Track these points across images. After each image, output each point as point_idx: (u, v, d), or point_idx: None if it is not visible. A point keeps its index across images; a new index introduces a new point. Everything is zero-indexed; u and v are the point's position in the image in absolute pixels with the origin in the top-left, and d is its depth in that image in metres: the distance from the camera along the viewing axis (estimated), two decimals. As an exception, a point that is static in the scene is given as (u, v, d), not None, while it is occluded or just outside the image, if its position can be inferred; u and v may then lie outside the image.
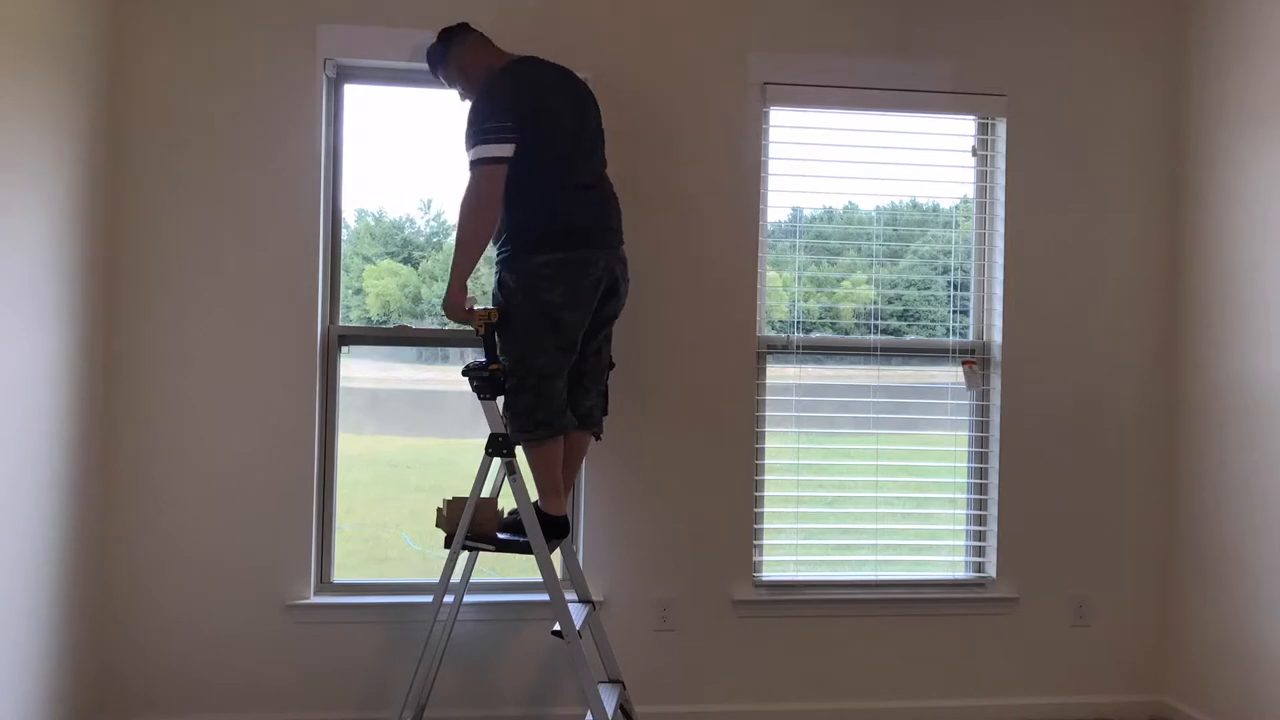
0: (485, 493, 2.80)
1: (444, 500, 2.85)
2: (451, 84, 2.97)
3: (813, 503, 3.57)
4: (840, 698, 3.45)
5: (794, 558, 3.53)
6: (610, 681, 3.07)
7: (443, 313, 2.77)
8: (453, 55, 2.90)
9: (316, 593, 3.29)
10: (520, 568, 3.17)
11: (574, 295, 2.69)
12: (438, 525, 2.87)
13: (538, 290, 2.66)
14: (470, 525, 2.75)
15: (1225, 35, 3.40)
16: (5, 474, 2.64)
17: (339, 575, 3.35)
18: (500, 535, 2.81)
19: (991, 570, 3.56)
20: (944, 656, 3.51)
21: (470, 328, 2.74)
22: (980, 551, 3.62)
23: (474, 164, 2.63)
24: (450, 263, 2.70)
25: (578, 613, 2.89)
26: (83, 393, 3.02)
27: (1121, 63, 3.59)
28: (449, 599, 2.98)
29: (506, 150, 2.61)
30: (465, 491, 2.78)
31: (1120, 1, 3.59)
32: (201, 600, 3.20)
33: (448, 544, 2.79)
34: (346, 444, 3.37)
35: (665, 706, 3.35)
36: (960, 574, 3.62)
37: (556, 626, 2.69)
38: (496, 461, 2.76)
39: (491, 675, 3.31)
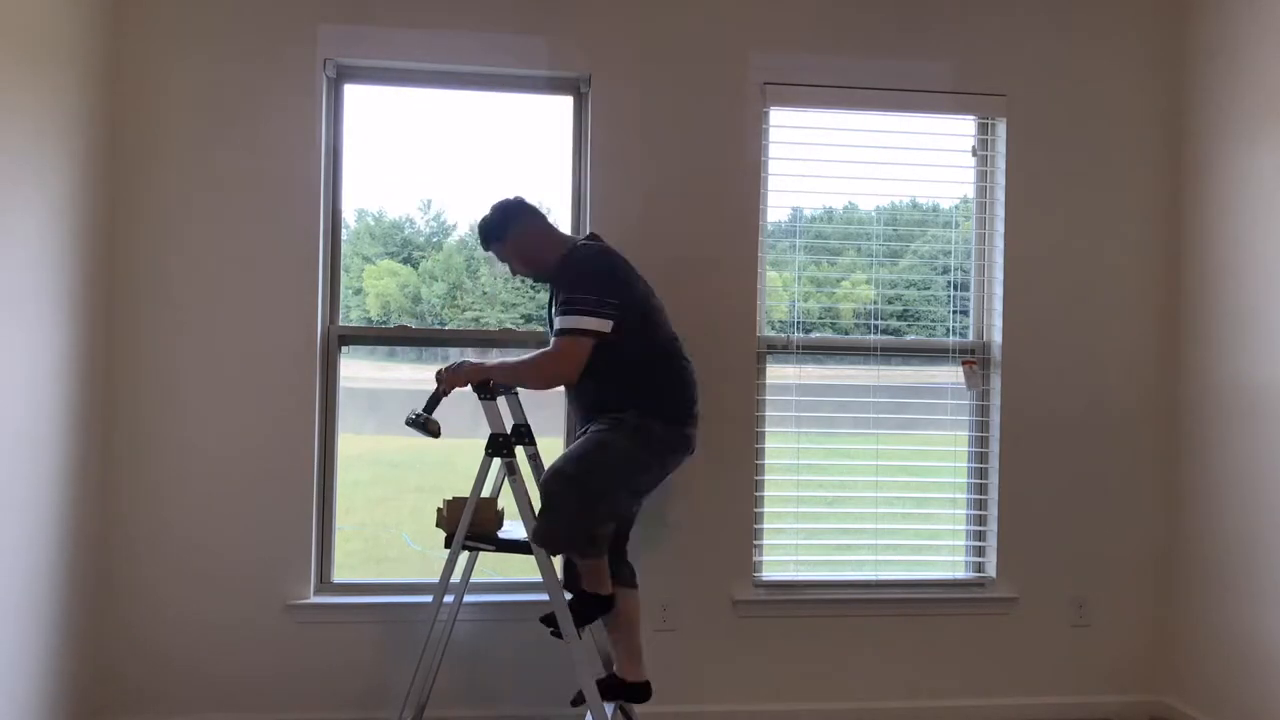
0: (485, 493, 2.80)
1: (444, 500, 2.85)
2: (502, 259, 2.89)
3: (813, 503, 3.57)
4: (840, 698, 3.45)
5: (794, 558, 3.53)
6: (610, 681, 3.07)
7: (448, 366, 2.75)
8: (513, 234, 2.83)
9: (316, 592, 3.29)
10: (520, 568, 3.17)
11: (662, 462, 2.76)
12: (438, 525, 2.87)
13: (650, 448, 2.71)
14: (470, 525, 2.75)
15: (1225, 36, 3.40)
16: (4, 475, 2.64)
17: (339, 575, 3.36)
18: (500, 535, 2.81)
19: (991, 570, 3.56)
20: (944, 656, 3.51)
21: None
22: (980, 551, 3.62)
23: (570, 331, 2.64)
24: (504, 363, 2.73)
25: (578, 613, 2.89)
26: (83, 392, 3.02)
27: (1121, 63, 3.59)
28: (449, 599, 2.98)
29: (606, 326, 2.65)
30: (465, 491, 2.78)
31: (1120, 2, 3.59)
32: (202, 600, 3.20)
33: (448, 544, 2.79)
34: (346, 444, 3.37)
35: (665, 706, 3.34)
36: (960, 574, 3.62)
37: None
38: (496, 461, 2.76)
39: (491, 675, 3.31)
